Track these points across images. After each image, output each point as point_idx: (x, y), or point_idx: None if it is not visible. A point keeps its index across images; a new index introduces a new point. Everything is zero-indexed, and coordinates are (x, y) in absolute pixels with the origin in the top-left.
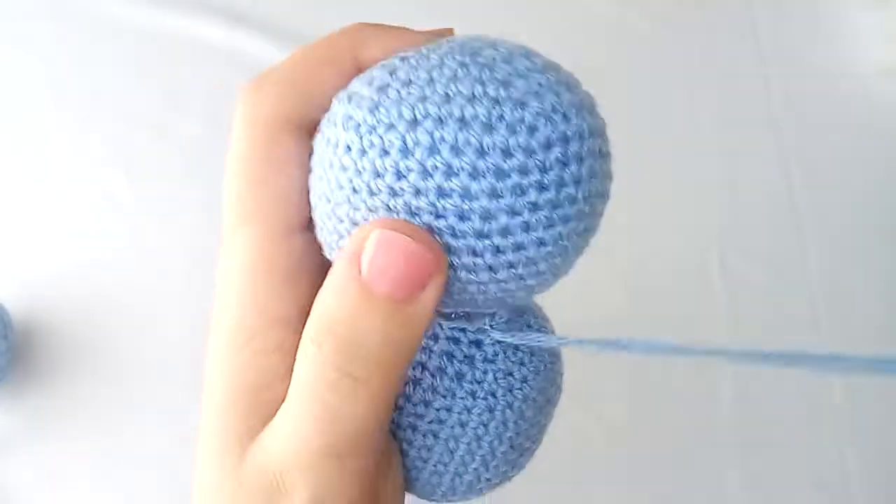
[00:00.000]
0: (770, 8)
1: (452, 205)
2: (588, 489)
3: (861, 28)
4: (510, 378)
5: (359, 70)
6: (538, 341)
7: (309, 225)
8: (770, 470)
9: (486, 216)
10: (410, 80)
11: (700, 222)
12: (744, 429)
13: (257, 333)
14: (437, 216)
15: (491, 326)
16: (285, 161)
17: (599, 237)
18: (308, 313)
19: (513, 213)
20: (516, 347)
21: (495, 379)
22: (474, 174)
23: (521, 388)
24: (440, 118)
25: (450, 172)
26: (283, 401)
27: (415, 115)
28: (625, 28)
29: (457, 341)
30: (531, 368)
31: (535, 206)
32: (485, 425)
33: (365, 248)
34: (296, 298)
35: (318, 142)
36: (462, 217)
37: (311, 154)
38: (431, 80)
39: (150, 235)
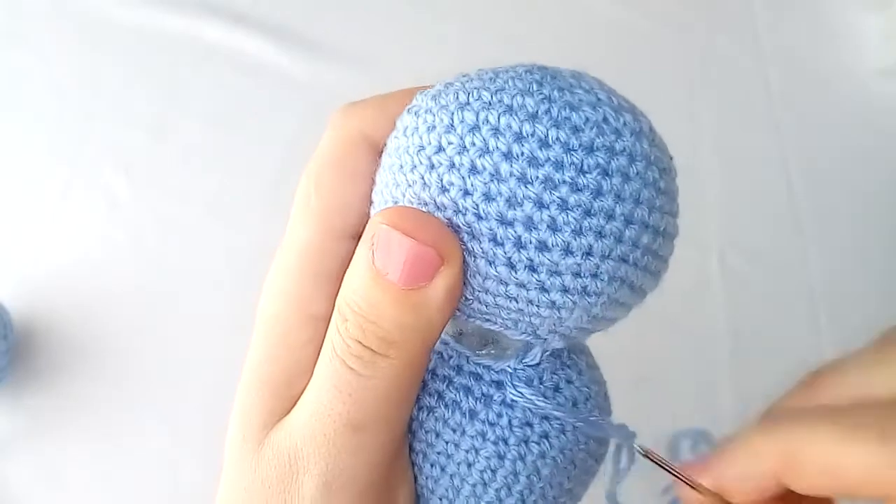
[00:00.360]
0: (770, 8)
1: (481, 181)
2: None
3: (861, 28)
4: (527, 429)
5: None
6: (550, 410)
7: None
8: None
9: (512, 201)
10: (473, 77)
11: (700, 222)
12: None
13: (293, 328)
14: (466, 193)
15: (515, 371)
16: (355, 173)
17: None
18: None
19: (540, 204)
20: (544, 398)
21: (510, 425)
22: (508, 156)
23: (538, 443)
24: (489, 102)
25: (485, 150)
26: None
27: (467, 99)
28: (625, 28)
29: (478, 377)
30: (555, 425)
31: (564, 204)
32: (492, 471)
33: (373, 240)
34: (334, 299)
35: (392, 133)
36: (488, 197)
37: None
38: (495, 76)
39: (150, 235)
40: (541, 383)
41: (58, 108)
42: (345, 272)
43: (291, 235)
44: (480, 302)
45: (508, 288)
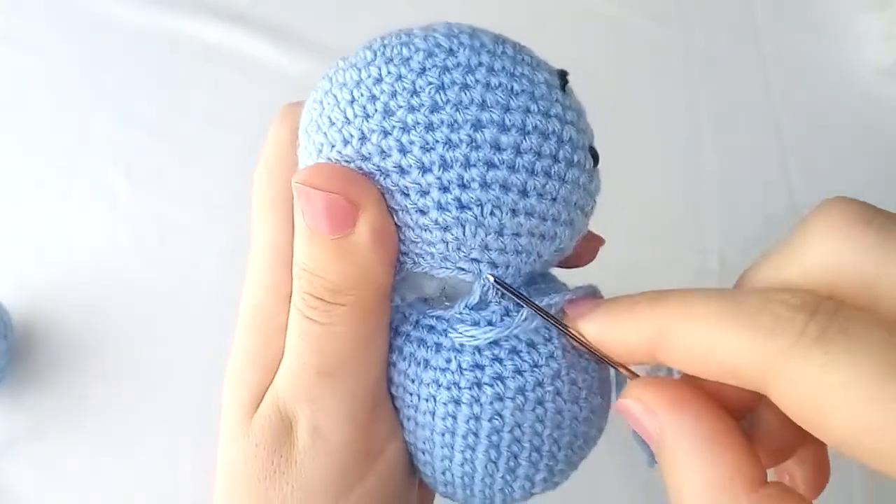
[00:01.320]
0: (770, 8)
1: (337, 132)
2: (588, 490)
3: (861, 28)
4: (477, 371)
5: None
6: (489, 333)
7: None
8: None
9: (363, 138)
10: (342, 57)
11: (700, 222)
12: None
13: (272, 312)
14: (331, 146)
15: (461, 314)
16: (296, 164)
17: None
18: None
19: (385, 133)
20: (496, 340)
21: (460, 369)
22: (352, 101)
23: (490, 385)
24: (343, 67)
25: (335, 104)
26: None
27: (332, 70)
28: (625, 28)
29: (431, 328)
30: (509, 366)
31: (405, 127)
32: (452, 417)
33: (296, 198)
34: None
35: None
36: (345, 142)
37: None
38: (353, 53)
39: (149, 235)
40: (489, 320)
41: (58, 108)
42: None
43: (259, 231)
44: (404, 240)
45: (400, 217)
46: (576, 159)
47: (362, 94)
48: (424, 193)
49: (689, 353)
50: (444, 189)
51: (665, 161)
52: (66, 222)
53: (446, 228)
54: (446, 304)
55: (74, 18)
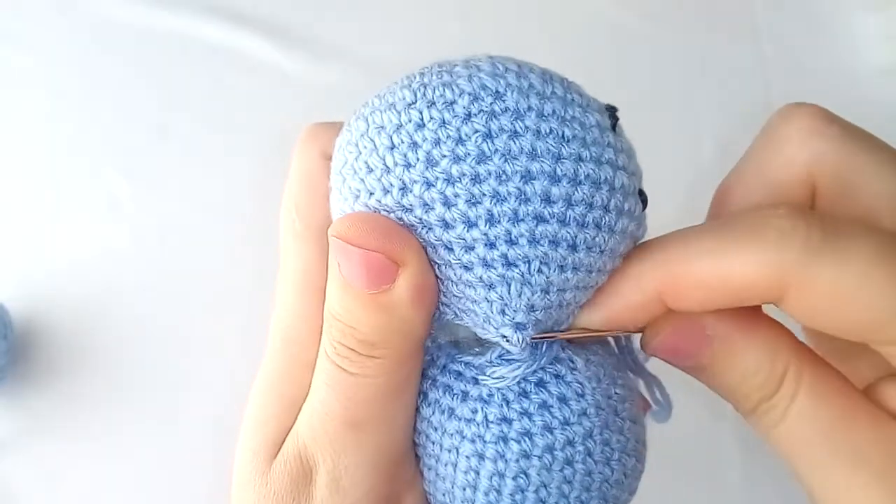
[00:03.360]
0: (770, 8)
1: (376, 180)
2: None
3: (861, 28)
4: (504, 425)
5: None
6: (516, 371)
7: None
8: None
9: (404, 188)
10: (378, 94)
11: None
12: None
13: (303, 346)
14: (370, 194)
15: (491, 362)
16: (326, 193)
17: None
18: None
19: (427, 184)
20: (525, 393)
21: (486, 422)
22: (391, 147)
23: (518, 441)
24: (377, 106)
25: (373, 149)
26: None
27: (363, 109)
28: (625, 28)
29: (459, 375)
30: (538, 422)
31: (449, 178)
32: (475, 472)
33: (334, 251)
34: None
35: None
36: (385, 191)
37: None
38: (394, 83)
39: (149, 235)
40: (522, 379)
41: (58, 108)
42: None
43: (288, 259)
44: (446, 293)
45: (442, 271)
46: (626, 207)
47: (402, 141)
48: (469, 249)
49: (701, 290)
50: (491, 245)
51: (665, 161)
52: (66, 222)
53: (491, 287)
54: (476, 349)
55: (74, 18)
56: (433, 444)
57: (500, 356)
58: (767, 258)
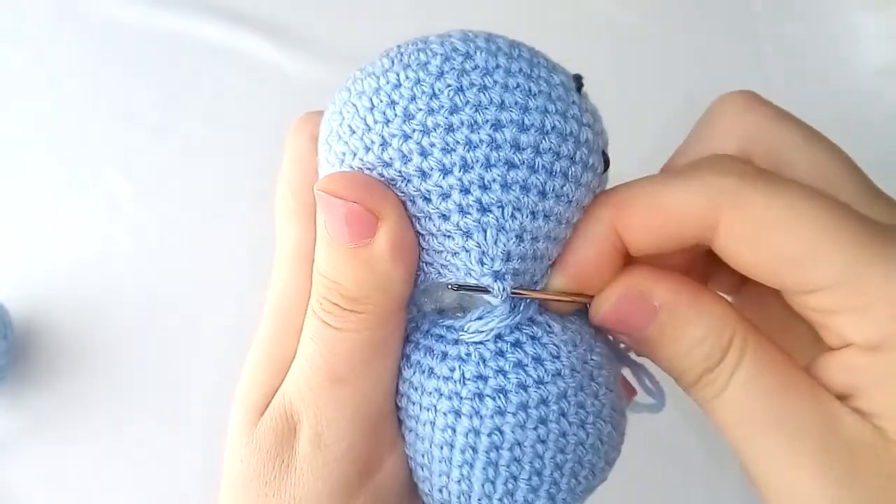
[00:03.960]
0: (770, 8)
1: (358, 139)
2: None
3: (861, 28)
4: (480, 382)
5: None
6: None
7: None
8: None
9: (384, 144)
10: (360, 67)
11: None
12: None
13: (294, 313)
14: (353, 154)
15: (472, 320)
16: (317, 171)
17: None
18: None
19: (405, 136)
20: (501, 352)
21: (463, 379)
22: (371, 108)
23: (493, 398)
24: (361, 76)
25: (354, 112)
26: None
27: (350, 79)
28: (624, 28)
29: (440, 338)
30: (513, 380)
31: (425, 130)
32: (452, 429)
33: (318, 205)
34: None
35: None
36: (366, 149)
37: None
38: (371, 63)
39: (149, 235)
40: (499, 339)
41: (58, 108)
42: None
43: (283, 235)
44: (427, 249)
45: (422, 224)
46: (591, 162)
47: (381, 101)
48: (446, 196)
49: (645, 222)
50: (466, 191)
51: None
52: (66, 222)
53: (468, 234)
54: (459, 314)
55: (74, 18)
56: (413, 404)
57: (479, 317)
58: (703, 185)
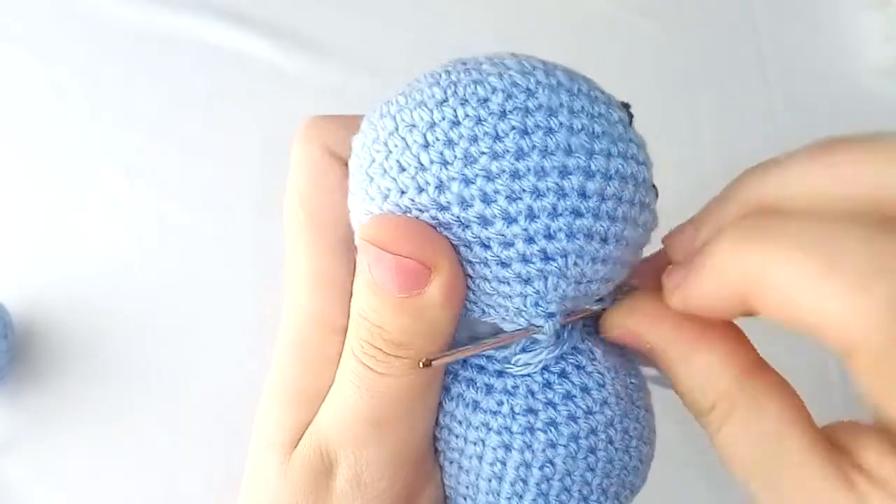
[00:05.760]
0: (770, 8)
1: (409, 178)
2: None
3: (861, 28)
4: (531, 416)
5: None
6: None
7: None
8: None
9: (441, 186)
10: (402, 88)
11: None
12: None
13: (316, 345)
14: (402, 192)
15: (515, 355)
16: (332, 187)
17: None
18: None
19: (466, 181)
20: (548, 384)
21: (512, 413)
22: (425, 145)
23: (544, 431)
24: (404, 104)
25: (405, 147)
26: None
27: (388, 108)
28: (624, 28)
29: (482, 369)
30: (563, 412)
31: (488, 175)
32: (502, 463)
33: (365, 255)
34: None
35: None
36: (419, 189)
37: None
38: (416, 80)
39: (149, 235)
40: (545, 370)
41: (58, 108)
42: (352, 276)
43: (297, 255)
44: (475, 291)
45: (476, 269)
46: (647, 201)
47: (437, 139)
48: (508, 245)
49: (782, 308)
50: (530, 240)
51: (665, 160)
52: (66, 222)
53: (527, 281)
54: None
55: (74, 18)
56: (457, 437)
57: (523, 348)
58: (866, 322)
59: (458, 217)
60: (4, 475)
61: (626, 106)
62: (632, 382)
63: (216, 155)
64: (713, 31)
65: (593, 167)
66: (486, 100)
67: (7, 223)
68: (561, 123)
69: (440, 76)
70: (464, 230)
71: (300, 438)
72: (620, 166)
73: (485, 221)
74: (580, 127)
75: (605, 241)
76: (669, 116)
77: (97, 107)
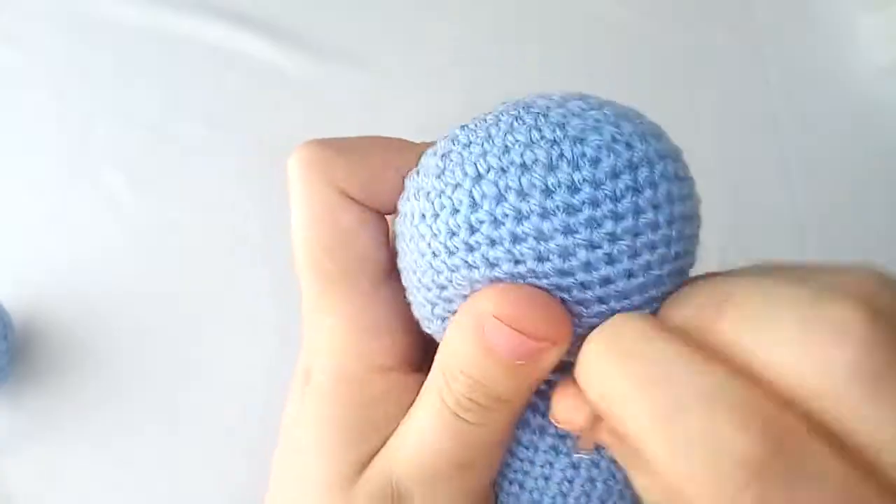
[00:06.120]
0: (770, 8)
1: (529, 248)
2: None
3: (861, 28)
4: None
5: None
6: None
7: (391, 275)
8: None
9: (565, 254)
10: (471, 141)
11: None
12: None
13: (364, 383)
14: (516, 262)
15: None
16: (357, 225)
17: None
18: (405, 359)
19: (592, 246)
20: None
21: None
22: (544, 214)
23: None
24: (502, 168)
25: (520, 217)
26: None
27: (478, 170)
28: (624, 27)
29: (543, 394)
30: None
31: (613, 237)
32: (569, 482)
33: (486, 319)
34: (397, 347)
35: (399, 221)
36: (541, 259)
37: (394, 237)
38: (490, 136)
39: (149, 236)
40: None
41: (58, 108)
42: (392, 317)
43: (324, 301)
44: None
45: (583, 321)
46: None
47: (558, 206)
48: (624, 298)
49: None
50: (644, 290)
51: None
52: (66, 222)
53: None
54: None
55: (74, 18)
56: (521, 461)
57: None
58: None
59: (581, 281)
60: (4, 475)
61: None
62: None
63: (216, 155)
64: (713, 31)
65: (687, 211)
66: (597, 161)
67: (7, 223)
68: (661, 174)
69: (532, 134)
70: (584, 291)
71: (357, 476)
72: (697, 202)
73: (607, 281)
74: (672, 173)
75: (685, 275)
76: (669, 116)
77: (97, 107)
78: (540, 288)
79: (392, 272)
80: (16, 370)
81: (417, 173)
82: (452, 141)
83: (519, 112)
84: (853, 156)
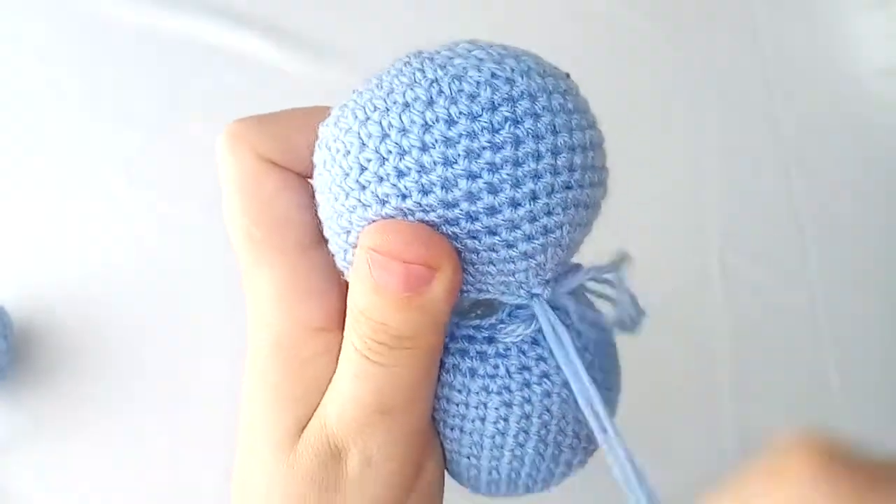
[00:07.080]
0: (770, 8)
1: (412, 181)
2: (587, 480)
3: (861, 28)
4: (525, 373)
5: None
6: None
7: (321, 237)
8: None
9: (447, 185)
10: (364, 89)
11: (700, 222)
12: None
13: (299, 345)
14: (403, 196)
15: (502, 322)
16: (279, 188)
17: (600, 237)
18: (338, 319)
19: (472, 176)
20: (535, 341)
21: (508, 374)
22: (424, 147)
23: (539, 384)
24: (386, 108)
25: (402, 152)
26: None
27: (366, 113)
28: (625, 28)
29: (471, 339)
30: (552, 363)
31: (493, 167)
32: (504, 420)
33: (369, 254)
34: (327, 308)
35: (314, 171)
36: (425, 192)
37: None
38: (380, 82)
39: (149, 236)
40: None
41: (58, 108)
42: (324, 280)
43: (255, 266)
44: (468, 276)
45: (480, 256)
46: (605, 161)
47: (436, 139)
48: (515, 228)
49: None
50: (533, 219)
51: (664, 161)
52: (66, 222)
53: (531, 256)
54: (478, 312)
55: (74, 18)
56: (457, 405)
57: (509, 314)
58: None
59: (466, 212)
60: (4, 475)
61: (567, 76)
62: (604, 330)
63: (216, 155)
64: (713, 31)
65: (576, 142)
66: (474, 95)
67: (7, 223)
68: (544, 107)
69: (416, 75)
70: (472, 222)
71: (299, 434)
72: (593, 136)
73: (493, 211)
74: (559, 107)
75: (587, 206)
76: (669, 116)
77: (97, 107)
78: (429, 222)
79: (322, 234)
80: (16, 370)
81: (323, 123)
82: (352, 91)
83: (409, 59)
84: (853, 156)
